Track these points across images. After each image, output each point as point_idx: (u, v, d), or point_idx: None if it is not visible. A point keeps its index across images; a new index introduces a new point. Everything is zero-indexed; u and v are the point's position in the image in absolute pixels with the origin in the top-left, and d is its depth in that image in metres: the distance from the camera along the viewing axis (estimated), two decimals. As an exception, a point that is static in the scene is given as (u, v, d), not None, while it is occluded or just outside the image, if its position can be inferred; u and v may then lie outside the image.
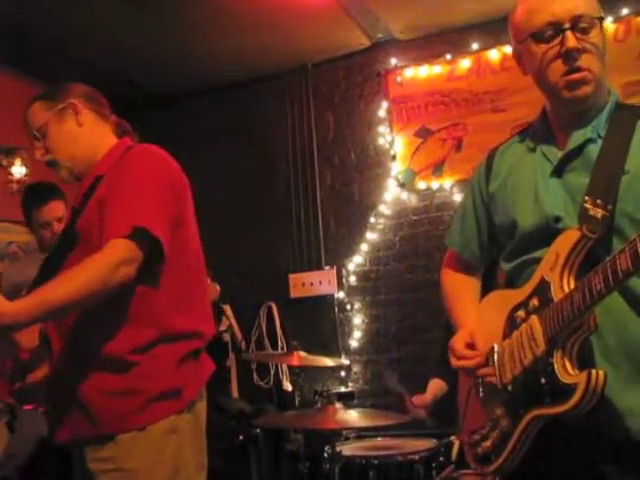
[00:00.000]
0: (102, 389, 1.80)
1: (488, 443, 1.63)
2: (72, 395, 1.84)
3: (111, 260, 1.72)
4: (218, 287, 2.78)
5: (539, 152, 1.68)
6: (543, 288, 1.53)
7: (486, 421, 1.66)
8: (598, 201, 1.49)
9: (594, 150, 1.57)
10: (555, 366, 1.44)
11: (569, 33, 1.55)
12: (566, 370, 1.43)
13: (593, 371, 1.37)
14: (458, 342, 1.70)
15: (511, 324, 1.61)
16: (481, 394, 1.70)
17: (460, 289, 1.88)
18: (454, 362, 1.71)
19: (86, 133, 2.04)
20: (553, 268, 1.51)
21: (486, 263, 1.89)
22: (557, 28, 1.56)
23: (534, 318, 1.52)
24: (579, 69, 1.56)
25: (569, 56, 1.55)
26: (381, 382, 3.96)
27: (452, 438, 3.06)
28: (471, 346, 1.68)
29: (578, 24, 1.55)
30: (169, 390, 1.83)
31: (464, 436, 1.76)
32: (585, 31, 1.56)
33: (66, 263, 1.89)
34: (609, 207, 1.48)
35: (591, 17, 1.56)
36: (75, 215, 1.96)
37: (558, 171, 1.61)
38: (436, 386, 3.46)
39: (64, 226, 2.04)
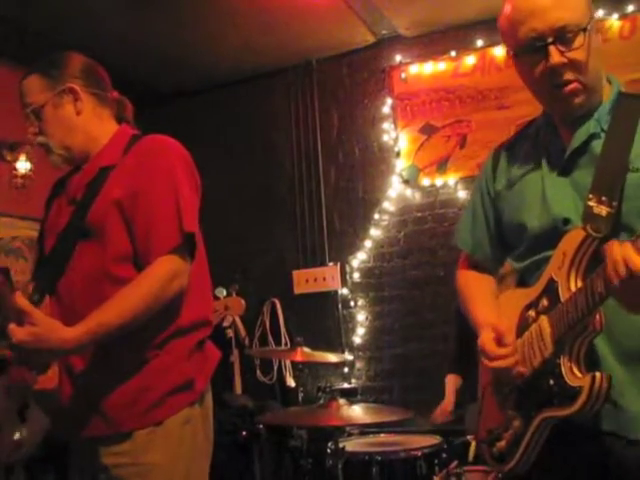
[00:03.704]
0: (119, 388, 1.78)
1: (502, 443, 1.61)
2: (88, 396, 1.81)
3: (165, 275, 1.73)
4: (243, 302, 2.75)
5: (544, 150, 1.64)
6: (552, 288, 1.51)
7: (501, 420, 1.64)
8: (603, 198, 1.45)
9: (599, 145, 1.53)
10: (562, 368, 1.43)
11: (552, 48, 1.50)
12: (573, 372, 1.42)
13: (597, 374, 1.36)
14: (487, 342, 1.59)
15: (523, 324, 1.59)
16: (497, 393, 1.68)
17: (475, 290, 1.80)
18: (489, 364, 1.59)
19: (84, 122, 1.93)
20: (561, 267, 1.48)
21: (499, 265, 1.83)
22: (540, 43, 1.51)
23: (543, 319, 1.51)
24: (567, 82, 1.52)
25: (554, 72, 1.51)
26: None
27: (469, 437, 3.02)
28: (500, 341, 1.57)
29: (562, 36, 1.50)
30: (182, 383, 1.82)
31: (481, 434, 1.74)
32: (570, 41, 1.50)
33: (77, 256, 1.84)
34: (614, 204, 1.44)
35: (576, 25, 1.50)
36: (81, 208, 1.86)
37: (565, 170, 1.57)
38: (453, 382, 3.47)
39: (63, 218, 1.91)
